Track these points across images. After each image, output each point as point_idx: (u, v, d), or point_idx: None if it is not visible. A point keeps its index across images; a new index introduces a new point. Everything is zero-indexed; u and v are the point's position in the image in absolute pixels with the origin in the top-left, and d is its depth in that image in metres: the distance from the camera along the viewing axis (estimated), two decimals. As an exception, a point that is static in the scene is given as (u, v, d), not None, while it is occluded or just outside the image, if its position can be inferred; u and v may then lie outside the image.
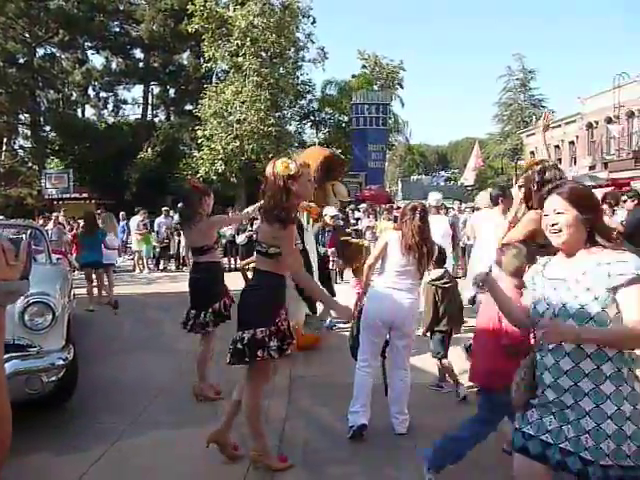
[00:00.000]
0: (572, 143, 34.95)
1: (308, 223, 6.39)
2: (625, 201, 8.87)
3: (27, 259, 1.12)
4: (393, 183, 52.51)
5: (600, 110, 30.66)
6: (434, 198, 7.84)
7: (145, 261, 15.03)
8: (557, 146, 36.73)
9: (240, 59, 23.78)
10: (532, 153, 40.66)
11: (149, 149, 28.84)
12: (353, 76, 31.81)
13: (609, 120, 29.74)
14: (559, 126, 36.63)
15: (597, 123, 31.27)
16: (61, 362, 3.99)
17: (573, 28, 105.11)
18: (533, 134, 40.51)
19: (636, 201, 8.44)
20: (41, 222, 13.39)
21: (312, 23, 26.48)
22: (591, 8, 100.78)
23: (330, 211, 7.81)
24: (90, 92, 34.75)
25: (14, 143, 32.74)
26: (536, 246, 3.19)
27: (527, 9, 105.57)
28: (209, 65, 25.34)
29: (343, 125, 30.47)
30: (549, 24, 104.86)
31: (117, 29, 32.36)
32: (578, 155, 33.67)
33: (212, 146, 23.45)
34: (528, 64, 49.74)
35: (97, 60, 34.71)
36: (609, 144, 30.42)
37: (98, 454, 3.66)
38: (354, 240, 8.06)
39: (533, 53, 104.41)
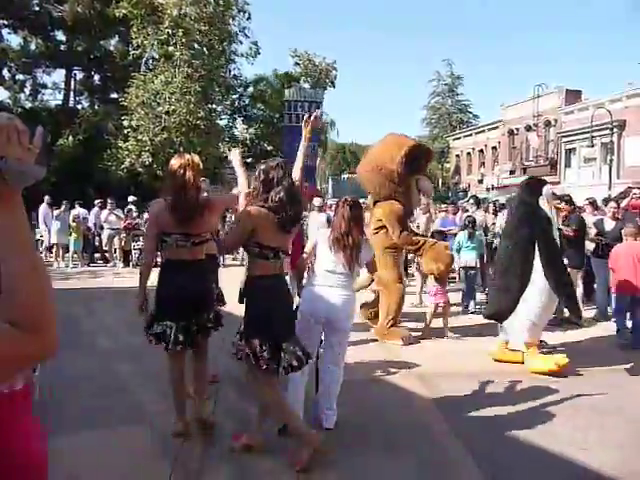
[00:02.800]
0: (495, 148, 36.63)
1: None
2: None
3: (43, 146, 1.10)
4: (324, 181, 52.87)
5: (520, 118, 32.33)
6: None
7: (70, 255, 14.38)
8: (481, 150, 38.39)
9: (171, 48, 23.06)
10: (457, 156, 42.31)
11: (70, 137, 27.35)
12: (276, 74, 31.70)
13: (528, 128, 31.41)
14: (483, 131, 38.31)
15: (518, 130, 32.96)
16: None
17: (500, 37, 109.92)
18: (459, 138, 42.13)
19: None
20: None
21: (247, 18, 26.10)
22: (516, 19, 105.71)
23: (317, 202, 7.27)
24: (5, 73, 32.54)
25: None
26: None
27: (458, 17, 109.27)
28: (137, 53, 24.38)
29: (275, 121, 30.30)
30: (478, 31, 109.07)
31: (37, 8, 30.43)
32: (500, 160, 35.33)
33: (139, 137, 22.60)
34: (456, 70, 51.66)
35: (13, 40, 32.32)
36: (528, 151, 32.13)
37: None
38: (441, 242, 6.94)
39: (462, 59, 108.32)
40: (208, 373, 4.11)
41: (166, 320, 3.59)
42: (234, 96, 30.10)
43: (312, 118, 3.89)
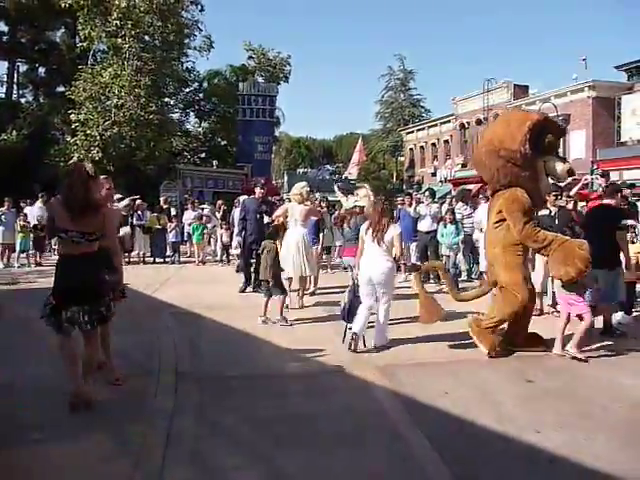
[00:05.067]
0: (447, 142, 37.33)
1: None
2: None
3: None
4: (279, 176, 52.70)
5: (471, 112, 33.07)
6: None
7: (17, 255, 13.89)
8: (434, 144, 39.07)
9: (119, 40, 22.38)
10: (411, 150, 42.90)
11: (14, 131, 26.23)
12: (231, 66, 31.33)
13: (479, 122, 32.11)
14: (436, 125, 38.96)
15: (469, 124, 33.69)
16: None
17: (451, 31, 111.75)
18: (412, 132, 42.71)
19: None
20: None
21: (200, 10, 25.63)
22: (467, 15, 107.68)
23: (349, 203, 8.29)
24: (-58, 65, 30.94)
25: None
26: None
27: (411, 11, 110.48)
28: (85, 45, 23.55)
29: (229, 115, 29.92)
30: (430, 25, 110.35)
31: (-25, -4, 29.00)
32: (452, 153, 36.04)
33: (88, 132, 21.89)
34: (408, 64, 52.32)
35: (-49, 30, 30.73)
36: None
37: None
38: (575, 240, 5.58)
39: (414, 53, 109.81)
40: (97, 358, 4.54)
41: (56, 306, 4.16)
42: (187, 90, 29.60)
43: None
